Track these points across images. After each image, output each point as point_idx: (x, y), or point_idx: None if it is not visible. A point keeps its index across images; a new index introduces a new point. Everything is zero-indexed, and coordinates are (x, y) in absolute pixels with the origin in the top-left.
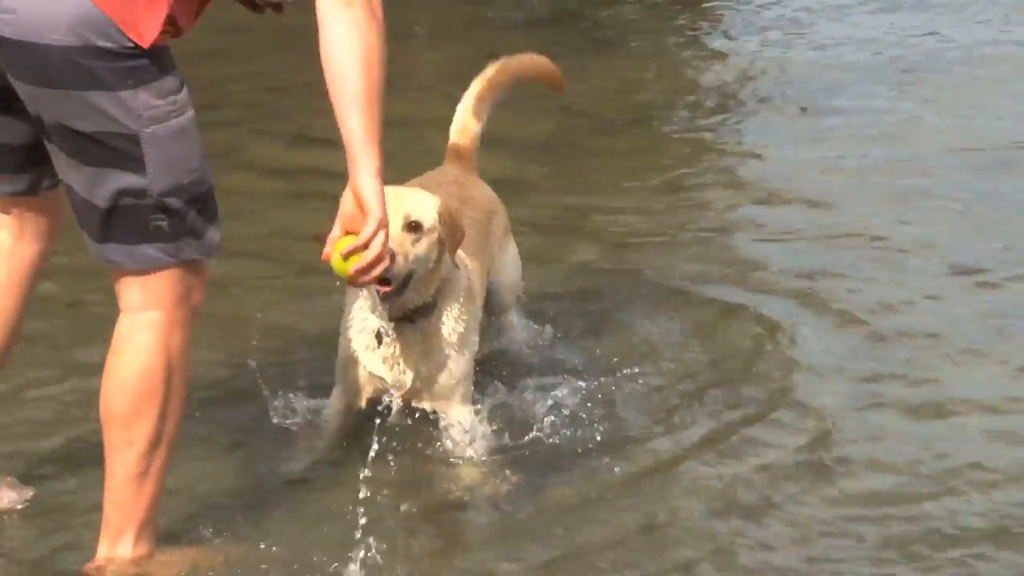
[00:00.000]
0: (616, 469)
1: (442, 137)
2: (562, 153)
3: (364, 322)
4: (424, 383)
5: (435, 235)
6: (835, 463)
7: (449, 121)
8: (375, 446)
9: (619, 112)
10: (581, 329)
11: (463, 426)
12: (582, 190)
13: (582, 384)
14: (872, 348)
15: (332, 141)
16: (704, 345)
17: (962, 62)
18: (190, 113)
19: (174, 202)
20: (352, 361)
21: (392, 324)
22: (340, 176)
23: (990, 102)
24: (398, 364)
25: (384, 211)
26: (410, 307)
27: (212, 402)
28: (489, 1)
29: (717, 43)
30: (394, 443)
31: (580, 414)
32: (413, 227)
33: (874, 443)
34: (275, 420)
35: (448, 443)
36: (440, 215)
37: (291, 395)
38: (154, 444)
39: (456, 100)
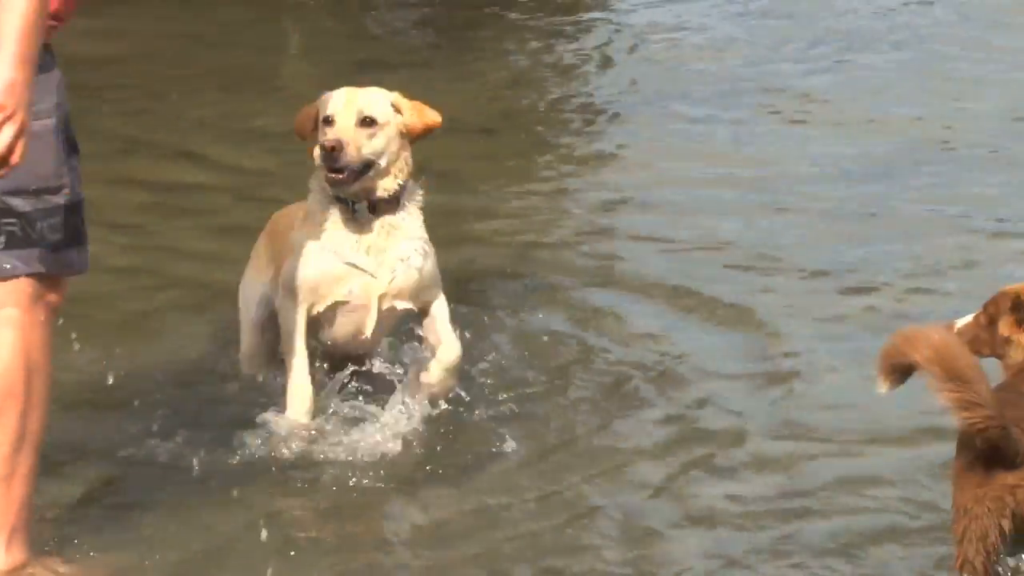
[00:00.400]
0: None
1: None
2: (440, 157)
3: (336, 215)
4: (402, 277)
5: (392, 127)
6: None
7: None
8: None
9: (495, 116)
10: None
11: (446, 317)
12: (462, 194)
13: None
14: (750, 349)
15: (210, 153)
16: (580, 345)
17: (820, 71)
18: (49, 122)
19: (19, 204)
20: (324, 254)
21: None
22: (219, 189)
23: (851, 112)
24: (377, 253)
25: (8, 100)
26: (379, 195)
27: (86, 411)
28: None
29: (592, 48)
30: (299, 463)
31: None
32: (367, 122)
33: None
34: None
35: (433, 338)
36: (395, 106)
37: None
38: (18, 444)
39: None
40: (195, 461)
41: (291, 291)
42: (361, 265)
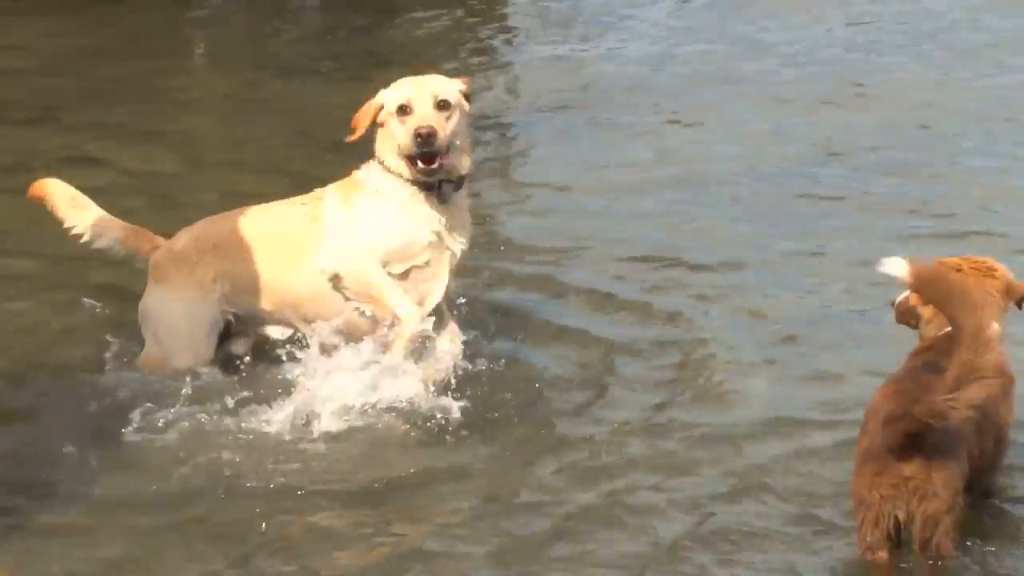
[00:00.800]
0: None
1: (217, 155)
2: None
3: (412, 193)
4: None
5: (459, 111)
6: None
7: (227, 139)
8: None
9: None
10: None
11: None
12: None
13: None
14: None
15: (106, 160)
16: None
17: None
18: None
19: None
20: (410, 221)
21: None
22: (112, 193)
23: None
24: (451, 229)
25: None
26: (464, 173)
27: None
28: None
29: (506, 53)
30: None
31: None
32: (443, 106)
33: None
34: None
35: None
36: (463, 93)
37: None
38: None
39: (235, 120)
40: (100, 470)
41: (370, 252)
42: (443, 237)
